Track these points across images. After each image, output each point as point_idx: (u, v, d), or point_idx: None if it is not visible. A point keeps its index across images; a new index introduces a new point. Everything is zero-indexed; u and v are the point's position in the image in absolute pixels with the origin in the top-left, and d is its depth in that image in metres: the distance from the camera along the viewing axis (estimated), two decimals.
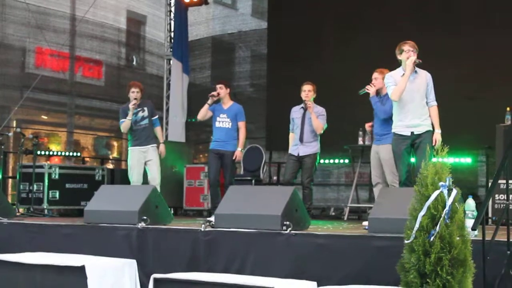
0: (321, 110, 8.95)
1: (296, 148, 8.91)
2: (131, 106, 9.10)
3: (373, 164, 8.18)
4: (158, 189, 8.97)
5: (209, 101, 9.19)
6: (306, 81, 8.97)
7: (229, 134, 9.22)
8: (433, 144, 7.04)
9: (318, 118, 8.84)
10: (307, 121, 8.90)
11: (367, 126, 8.43)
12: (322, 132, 8.90)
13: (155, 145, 9.27)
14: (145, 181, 9.19)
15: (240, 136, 9.27)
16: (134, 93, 9.17)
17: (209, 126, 9.55)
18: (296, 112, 9.07)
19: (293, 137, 9.03)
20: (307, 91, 8.87)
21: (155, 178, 9.11)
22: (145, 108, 9.28)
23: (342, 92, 11.03)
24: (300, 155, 8.88)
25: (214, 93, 9.19)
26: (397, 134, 7.35)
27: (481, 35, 10.40)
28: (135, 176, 9.14)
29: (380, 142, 8.04)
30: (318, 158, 8.97)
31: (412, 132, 7.24)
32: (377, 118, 8.12)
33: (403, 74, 7.24)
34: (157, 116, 9.49)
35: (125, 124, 9.19)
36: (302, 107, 8.99)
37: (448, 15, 10.75)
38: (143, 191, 7.29)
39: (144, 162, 9.16)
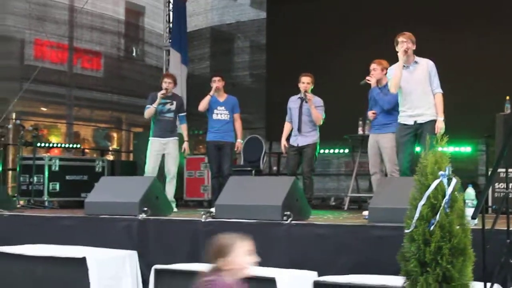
0: (319, 101, 8.85)
1: (295, 139, 8.85)
2: (160, 94, 9.05)
3: (371, 153, 8.13)
4: (174, 181, 9.06)
5: (211, 93, 9.19)
6: (305, 72, 8.89)
7: (227, 125, 9.27)
8: (436, 132, 6.95)
9: (317, 110, 8.81)
10: (305, 112, 8.81)
11: (371, 113, 8.23)
12: (321, 123, 8.88)
13: (176, 138, 9.23)
14: (160, 173, 9.15)
15: (237, 128, 9.33)
16: (166, 83, 9.14)
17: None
18: (293, 102, 8.98)
19: (288, 127, 8.96)
20: (306, 83, 8.75)
21: (171, 171, 9.07)
22: (174, 102, 9.23)
23: (341, 81, 11.02)
24: (299, 145, 8.82)
25: (214, 85, 9.19)
26: (401, 124, 7.38)
27: (481, 24, 10.39)
28: (150, 167, 9.04)
29: (380, 131, 8.01)
30: (318, 148, 8.92)
31: (415, 121, 7.26)
32: (379, 108, 8.08)
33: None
34: (184, 114, 9.44)
35: (149, 111, 9.12)
36: (300, 97, 8.89)
37: (449, 5, 10.74)
38: (144, 183, 7.29)
39: (162, 154, 9.11)
